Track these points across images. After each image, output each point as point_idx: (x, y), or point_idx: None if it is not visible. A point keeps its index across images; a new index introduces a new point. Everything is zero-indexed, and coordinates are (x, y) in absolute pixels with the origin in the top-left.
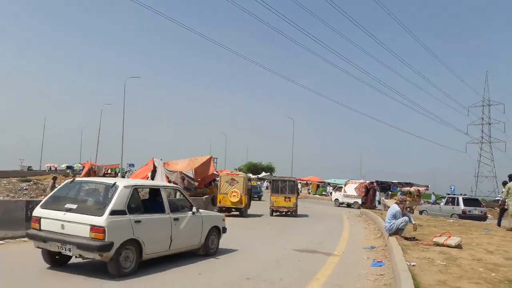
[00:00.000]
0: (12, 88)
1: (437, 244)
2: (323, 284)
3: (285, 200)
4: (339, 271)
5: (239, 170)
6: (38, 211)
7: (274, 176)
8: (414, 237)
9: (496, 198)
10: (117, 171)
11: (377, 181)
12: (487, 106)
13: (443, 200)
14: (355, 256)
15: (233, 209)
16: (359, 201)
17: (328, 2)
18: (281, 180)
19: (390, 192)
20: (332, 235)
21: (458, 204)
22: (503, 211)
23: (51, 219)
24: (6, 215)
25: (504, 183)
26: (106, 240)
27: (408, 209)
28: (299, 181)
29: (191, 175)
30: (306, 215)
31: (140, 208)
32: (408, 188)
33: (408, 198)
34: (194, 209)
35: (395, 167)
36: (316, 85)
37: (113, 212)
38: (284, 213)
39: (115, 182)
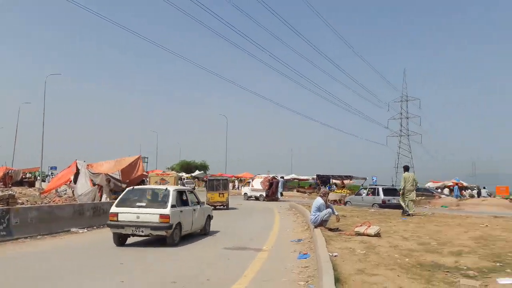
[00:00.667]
0: None
1: (358, 234)
2: (250, 280)
3: (219, 195)
4: (267, 266)
5: (172, 169)
6: (114, 209)
7: (210, 176)
8: (338, 228)
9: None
10: (37, 174)
11: (318, 175)
12: (405, 102)
13: (364, 191)
14: (283, 250)
15: None
16: (264, 194)
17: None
18: (216, 179)
19: (334, 186)
20: (262, 230)
21: (378, 194)
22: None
23: (127, 213)
24: None
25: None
26: (170, 223)
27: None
28: (234, 178)
29: (118, 177)
30: (236, 208)
31: (180, 203)
32: (335, 181)
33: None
34: (200, 204)
35: (324, 161)
36: (248, 83)
37: (171, 206)
38: (218, 206)
39: (167, 188)
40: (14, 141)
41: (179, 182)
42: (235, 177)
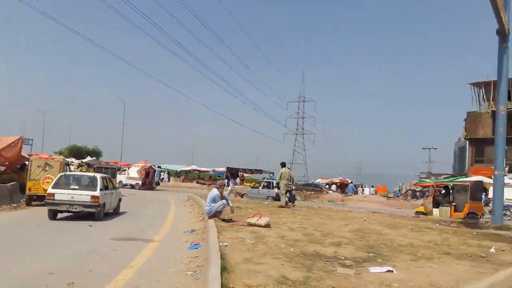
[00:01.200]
0: None
1: (250, 224)
2: (136, 270)
3: None
4: (156, 257)
5: (60, 154)
6: (51, 190)
7: (99, 163)
8: (231, 219)
9: (307, 182)
10: None
11: (228, 167)
12: (302, 102)
13: (261, 184)
14: (175, 241)
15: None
16: (140, 182)
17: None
18: (104, 167)
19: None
20: (155, 221)
21: (272, 188)
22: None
23: (62, 194)
24: None
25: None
26: (99, 202)
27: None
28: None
29: None
30: (128, 200)
31: (103, 187)
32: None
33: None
34: (115, 188)
35: (226, 155)
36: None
37: (100, 189)
38: None
39: (95, 175)
40: None
41: (65, 168)
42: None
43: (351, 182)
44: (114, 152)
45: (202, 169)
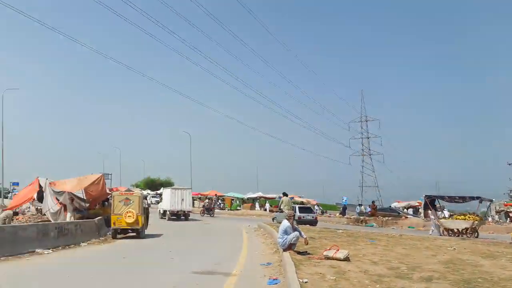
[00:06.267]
0: None
1: (328, 258)
2: None
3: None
4: None
5: (136, 186)
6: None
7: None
8: (306, 251)
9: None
10: None
11: (426, 196)
12: (365, 122)
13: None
14: (253, 275)
15: (129, 230)
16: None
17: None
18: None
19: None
20: (231, 252)
21: (295, 211)
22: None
23: None
24: None
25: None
26: None
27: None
28: (200, 196)
29: (82, 195)
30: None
31: None
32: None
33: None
34: None
35: (289, 179)
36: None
37: None
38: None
39: None
40: None
41: (144, 201)
42: (201, 194)
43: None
44: (185, 182)
45: (268, 195)
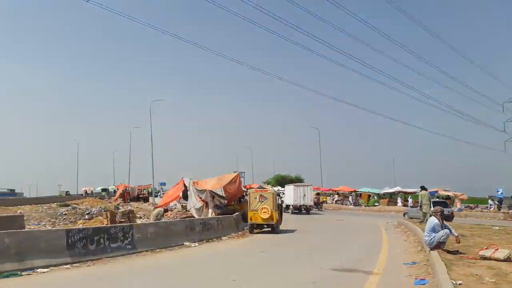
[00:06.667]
0: (44, 116)
1: (484, 258)
2: None
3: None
4: None
5: (268, 184)
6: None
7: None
8: (458, 250)
9: None
10: (150, 191)
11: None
12: None
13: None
14: (396, 274)
15: (265, 226)
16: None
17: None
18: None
19: None
20: (370, 250)
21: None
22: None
23: None
24: (49, 244)
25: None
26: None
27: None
28: (332, 191)
29: (221, 193)
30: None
31: None
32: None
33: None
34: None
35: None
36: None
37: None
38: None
39: None
40: (129, 161)
41: (277, 198)
42: (332, 190)
43: None
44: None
45: (408, 190)
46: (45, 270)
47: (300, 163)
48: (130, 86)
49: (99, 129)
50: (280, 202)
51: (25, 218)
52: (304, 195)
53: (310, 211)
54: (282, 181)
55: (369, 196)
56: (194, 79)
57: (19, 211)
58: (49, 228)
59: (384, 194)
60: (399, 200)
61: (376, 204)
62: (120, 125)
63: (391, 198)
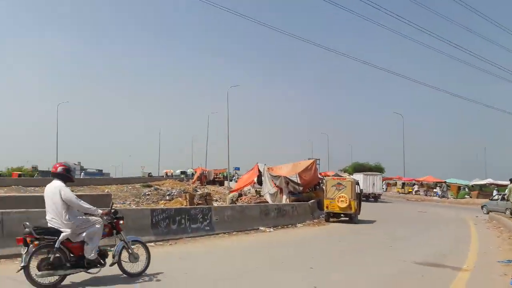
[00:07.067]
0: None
1: None
2: None
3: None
4: None
5: (344, 171)
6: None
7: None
8: None
9: None
10: (225, 175)
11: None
12: None
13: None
14: (489, 272)
15: (342, 215)
16: None
17: None
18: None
19: None
20: (457, 244)
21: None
22: None
23: None
24: (135, 223)
25: None
26: None
27: None
28: (414, 182)
29: (296, 180)
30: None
31: None
32: None
33: None
34: None
35: None
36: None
37: None
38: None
39: None
40: (206, 145)
41: (356, 187)
42: (415, 180)
43: None
44: (396, 167)
45: (501, 182)
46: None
47: (380, 151)
48: (209, 72)
49: (179, 115)
50: (359, 191)
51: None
52: (374, 183)
53: (378, 199)
54: (360, 169)
55: (459, 187)
56: (271, 65)
57: (106, 190)
58: (134, 207)
59: (473, 186)
60: (495, 193)
61: (467, 196)
62: (199, 111)
63: (481, 191)
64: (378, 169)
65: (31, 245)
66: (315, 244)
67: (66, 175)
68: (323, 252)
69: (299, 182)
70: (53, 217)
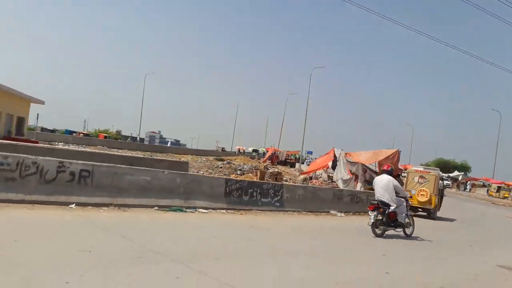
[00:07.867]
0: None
1: None
2: None
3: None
4: None
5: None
6: None
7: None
8: None
9: None
10: (297, 157)
11: None
12: None
13: None
14: None
15: (420, 209)
16: None
17: None
18: None
19: None
20: None
21: None
22: None
23: None
24: (210, 189)
25: None
26: None
27: None
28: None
29: (374, 168)
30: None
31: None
32: None
33: None
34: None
35: None
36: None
37: None
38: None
39: None
40: (281, 126)
41: (440, 182)
42: (505, 184)
43: None
44: (486, 168)
45: None
46: (204, 211)
47: (470, 149)
48: (291, 53)
49: (257, 94)
50: (442, 187)
51: None
52: None
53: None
54: (443, 166)
55: None
56: (354, 47)
57: (182, 158)
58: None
59: None
60: None
61: None
62: (278, 92)
63: None
64: (465, 168)
65: (376, 211)
66: (389, 235)
67: (391, 172)
68: (397, 244)
69: (377, 171)
70: (386, 196)
